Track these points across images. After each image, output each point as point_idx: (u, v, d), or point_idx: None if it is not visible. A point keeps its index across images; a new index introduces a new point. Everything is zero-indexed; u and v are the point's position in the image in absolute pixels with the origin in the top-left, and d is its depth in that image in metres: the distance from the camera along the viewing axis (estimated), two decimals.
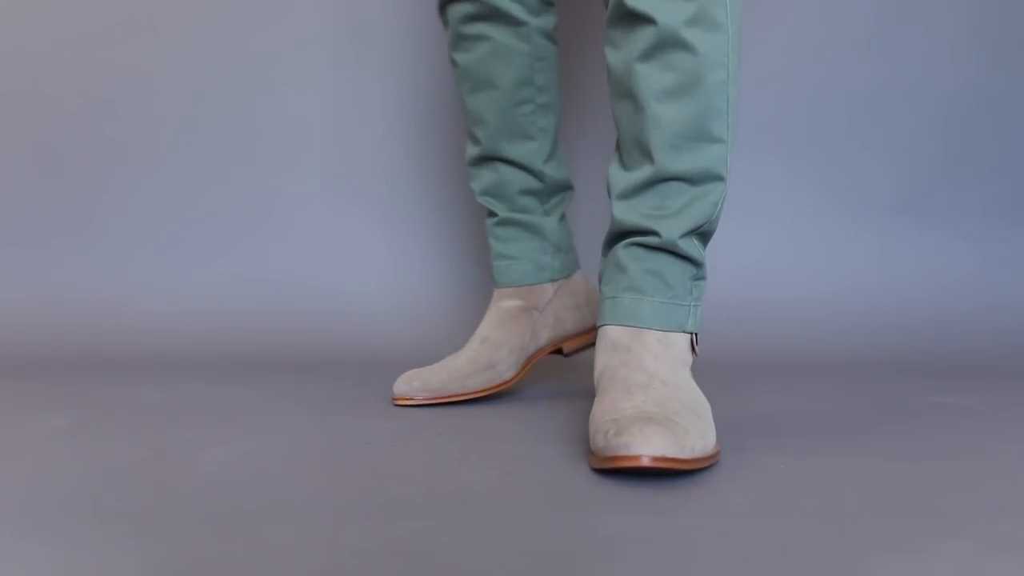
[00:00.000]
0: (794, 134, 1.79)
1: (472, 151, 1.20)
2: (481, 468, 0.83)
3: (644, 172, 0.92)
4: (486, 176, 1.20)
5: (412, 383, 1.13)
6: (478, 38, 1.16)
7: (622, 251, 0.94)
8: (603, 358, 0.90)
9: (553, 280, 1.21)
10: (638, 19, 0.90)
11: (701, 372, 1.43)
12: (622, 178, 0.94)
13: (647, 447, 0.76)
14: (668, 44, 0.90)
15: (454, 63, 1.19)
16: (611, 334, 0.91)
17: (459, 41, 1.17)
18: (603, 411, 0.83)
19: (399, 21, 1.71)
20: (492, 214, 1.21)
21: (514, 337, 1.17)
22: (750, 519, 0.68)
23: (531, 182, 1.20)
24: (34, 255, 1.68)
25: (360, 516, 0.67)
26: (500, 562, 0.58)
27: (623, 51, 0.92)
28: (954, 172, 1.83)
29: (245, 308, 1.64)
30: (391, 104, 1.72)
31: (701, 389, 1.30)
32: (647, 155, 0.92)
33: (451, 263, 1.72)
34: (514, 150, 1.18)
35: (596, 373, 0.91)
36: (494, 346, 1.16)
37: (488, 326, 1.18)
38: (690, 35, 0.89)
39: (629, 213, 0.93)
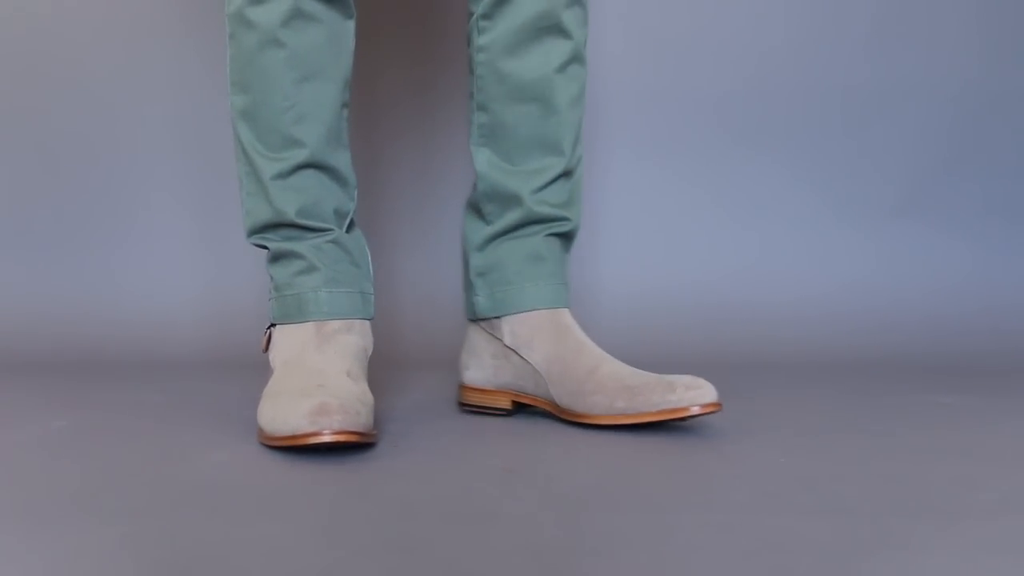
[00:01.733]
0: (793, 134, 1.79)
1: (289, 160, 1.00)
2: (481, 467, 0.83)
3: (556, 167, 1.06)
4: (307, 190, 1.01)
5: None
6: (314, 19, 0.99)
7: (543, 241, 1.07)
8: (549, 342, 1.04)
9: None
10: (559, 34, 1.04)
11: (701, 372, 1.44)
12: (527, 175, 1.06)
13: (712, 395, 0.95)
14: (576, 59, 1.06)
15: (278, 43, 0.98)
16: (552, 317, 1.05)
17: (294, 19, 0.98)
18: (635, 374, 0.99)
19: (376, 24, 1.71)
20: (311, 232, 1.02)
21: None
22: (750, 516, 0.68)
23: (345, 201, 1.04)
24: (34, 255, 1.67)
25: (359, 516, 0.67)
26: (500, 562, 0.58)
27: (535, 62, 1.04)
28: (953, 172, 1.83)
29: (245, 308, 1.64)
30: (391, 104, 1.72)
31: None
32: (556, 152, 1.06)
33: (450, 263, 1.72)
34: (338, 159, 1.03)
35: (548, 353, 1.03)
36: None
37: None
38: (585, 52, 1.08)
39: (542, 205, 1.06)
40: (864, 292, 1.75)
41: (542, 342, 1.04)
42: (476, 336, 1.10)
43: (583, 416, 0.99)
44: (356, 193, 1.07)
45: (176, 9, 1.69)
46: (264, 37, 0.98)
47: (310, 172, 1.01)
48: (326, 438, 0.82)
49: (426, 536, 0.63)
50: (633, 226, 1.76)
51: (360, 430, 0.84)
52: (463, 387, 1.11)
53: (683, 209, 1.78)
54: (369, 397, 0.92)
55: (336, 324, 0.99)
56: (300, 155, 1.00)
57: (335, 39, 1.01)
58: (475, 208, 1.11)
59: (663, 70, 1.76)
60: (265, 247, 1.04)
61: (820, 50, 1.79)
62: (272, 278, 1.04)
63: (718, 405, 0.94)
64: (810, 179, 1.80)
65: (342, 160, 1.04)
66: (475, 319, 1.10)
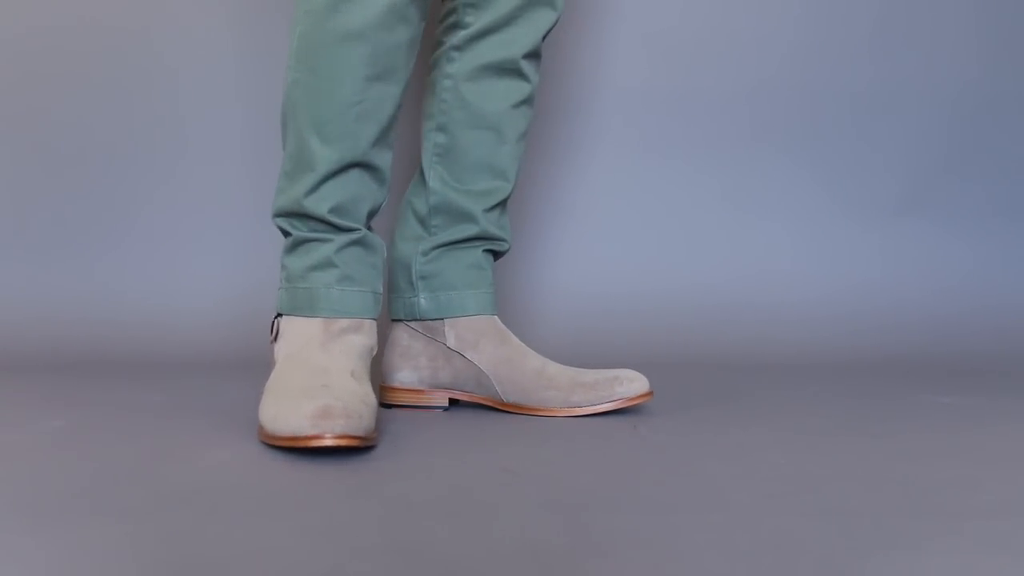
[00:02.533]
0: (795, 134, 1.79)
1: (341, 154, 0.99)
2: (480, 467, 0.83)
3: (502, 192, 1.15)
4: (348, 188, 1.01)
5: None
6: (406, 21, 1.00)
7: (482, 255, 1.16)
8: (494, 345, 1.12)
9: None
10: (519, 77, 1.14)
11: (703, 371, 1.44)
12: (476, 196, 1.14)
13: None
14: (528, 101, 1.16)
15: (363, 39, 0.97)
16: (492, 322, 1.14)
17: (389, 16, 0.98)
18: (582, 372, 1.12)
19: None
20: (339, 231, 1.02)
21: None
22: (750, 516, 0.68)
23: (379, 200, 1.06)
24: (34, 255, 1.67)
25: (359, 516, 0.67)
26: (500, 562, 0.58)
27: (496, 96, 1.13)
28: (955, 172, 1.83)
29: (245, 309, 1.64)
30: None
31: (701, 388, 1.30)
32: (503, 178, 1.15)
33: None
34: (383, 159, 1.04)
35: (494, 355, 1.11)
36: None
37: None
38: (535, 97, 1.19)
39: (491, 225, 1.15)
40: (866, 292, 1.75)
41: (487, 345, 1.12)
42: (409, 339, 1.14)
43: (536, 410, 1.11)
44: (387, 191, 1.08)
45: (177, 9, 1.69)
46: (351, 30, 0.96)
47: (356, 172, 1.01)
48: (328, 442, 0.83)
49: (426, 536, 0.63)
50: (636, 225, 1.76)
51: (361, 434, 0.84)
52: (394, 389, 1.14)
53: (685, 209, 1.78)
54: (372, 398, 0.92)
55: (345, 323, 1.00)
56: (353, 152, 1.00)
57: (414, 42, 1.02)
58: (420, 219, 1.15)
59: (666, 71, 1.76)
60: (287, 232, 1.03)
61: (823, 51, 1.79)
62: (285, 267, 1.04)
63: (650, 394, 1.11)
64: (812, 179, 1.80)
65: (386, 160, 1.04)
66: (410, 319, 1.14)
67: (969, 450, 0.92)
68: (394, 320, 1.16)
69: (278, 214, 1.03)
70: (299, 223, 1.02)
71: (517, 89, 1.15)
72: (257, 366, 1.45)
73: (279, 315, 1.03)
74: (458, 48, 1.13)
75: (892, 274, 1.78)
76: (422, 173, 1.16)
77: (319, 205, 1.00)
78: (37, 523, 0.65)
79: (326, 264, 1.01)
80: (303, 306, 1.01)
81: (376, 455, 0.88)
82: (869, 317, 1.71)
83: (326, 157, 0.99)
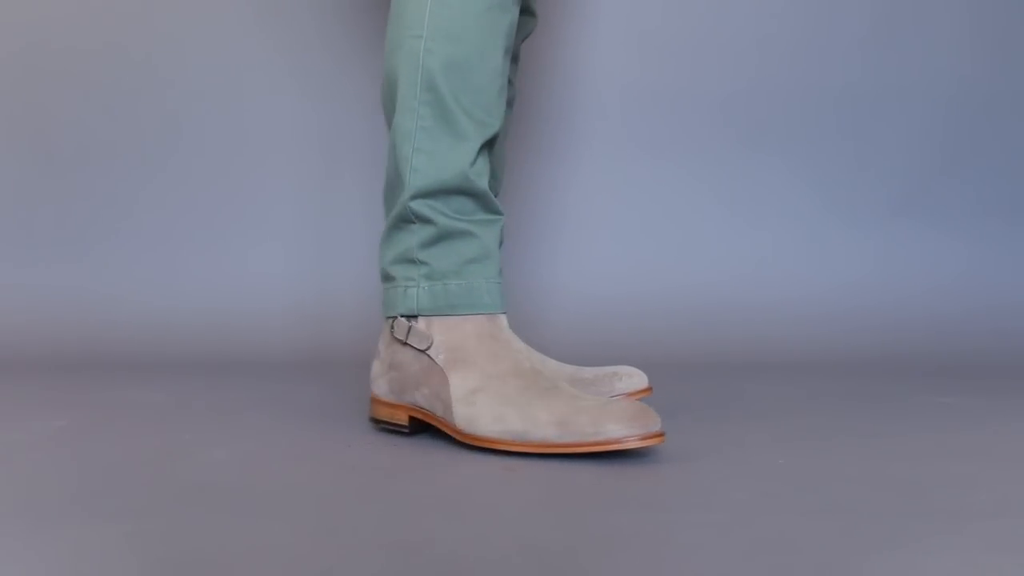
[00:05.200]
0: (792, 135, 1.79)
1: (489, 127, 0.94)
2: (480, 466, 0.83)
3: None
4: (490, 164, 0.98)
5: None
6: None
7: None
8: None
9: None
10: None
11: (701, 371, 1.44)
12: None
13: None
14: (510, 103, 1.11)
15: (504, 8, 0.93)
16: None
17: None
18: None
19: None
20: (497, 214, 0.97)
21: None
22: (750, 516, 0.68)
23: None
24: (34, 255, 1.67)
25: (359, 516, 0.67)
26: (500, 562, 0.58)
27: None
28: (951, 172, 1.83)
29: (244, 309, 1.64)
30: None
31: (700, 388, 1.30)
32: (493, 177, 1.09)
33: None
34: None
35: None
36: None
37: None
38: (516, 98, 1.13)
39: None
40: (862, 292, 1.75)
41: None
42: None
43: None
44: None
45: (179, 8, 1.69)
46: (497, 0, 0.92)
47: (492, 149, 0.97)
48: (652, 441, 0.82)
49: (426, 536, 0.63)
50: (633, 226, 1.76)
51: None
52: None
53: (682, 209, 1.78)
54: None
55: (503, 319, 0.93)
56: (494, 128, 0.94)
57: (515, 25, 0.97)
58: None
59: (662, 71, 1.76)
60: (429, 220, 0.93)
61: (819, 52, 1.79)
62: (423, 262, 0.93)
63: (649, 389, 1.08)
64: (808, 179, 1.80)
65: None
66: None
67: (968, 450, 0.93)
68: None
69: (421, 195, 0.92)
70: (446, 206, 0.92)
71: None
72: (256, 366, 1.45)
73: (412, 317, 0.94)
74: None
75: (888, 274, 1.78)
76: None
77: (480, 179, 0.93)
78: (37, 523, 0.65)
79: (484, 256, 0.93)
80: (459, 304, 0.92)
81: (376, 455, 0.88)
82: (866, 317, 1.71)
83: (477, 130, 0.92)
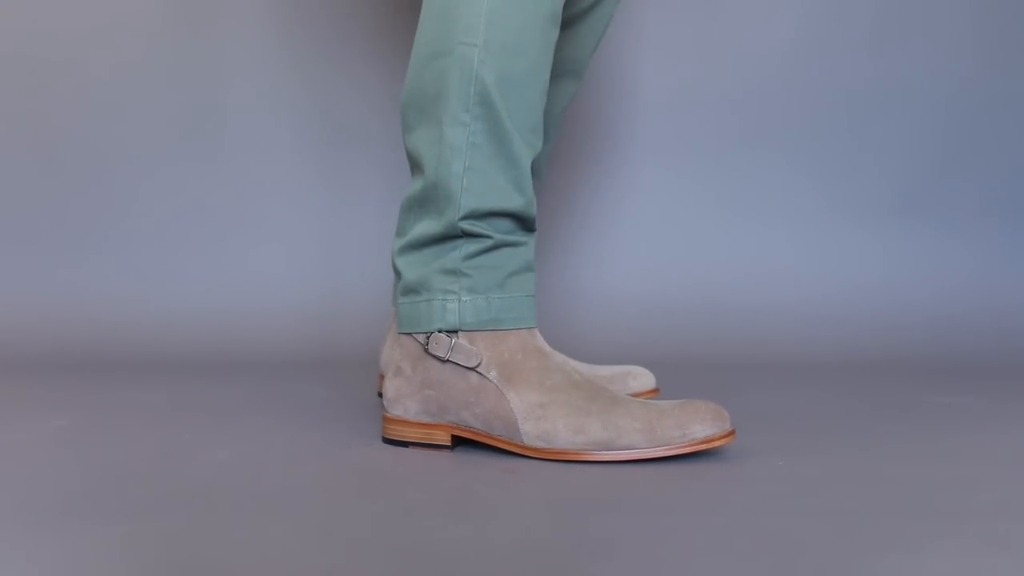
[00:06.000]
0: (793, 135, 1.79)
1: (533, 147, 0.91)
2: (481, 467, 0.83)
3: None
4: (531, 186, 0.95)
5: None
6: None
7: None
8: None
9: None
10: (576, 78, 1.12)
11: (701, 372, 1.43)
12: None
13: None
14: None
15: (555, 22, 0.89)
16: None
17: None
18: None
19: (388, 21, 1.71)
20: (531, 232, 0.95)
21: None
22: (750, 518, 0.68)
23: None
24: (35, 255, 1.67)
25: (360, 516, 0.67)
26: (500, 562, 0.58)
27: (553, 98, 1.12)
28: (953, 172, 1.83)
29: (245, 308, 1.64)
30: (392, 103, 1.72)
31: (700, 388, 1.30)
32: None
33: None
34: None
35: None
36: None
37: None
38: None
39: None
40: (863, 293, 1.75)
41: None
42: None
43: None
44: None
45: (180, 8, 1.69)
46: (555, 11, 0.88)
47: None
48: (731, 439, 0.85)
49: (426, 536, 0.63)
50: (633, 226, 1.76)
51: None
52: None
53: (683, 210, 1.78)
54: None
55: (539, 333, 0.91)
56: (539, 147, 0.91)
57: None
58: None
59: (662, 72, 1.76)
60: (485, 236, 0.89)
61: (820, 52, 1.78)
62: (465, 274, 0.89)
63: (656, 390, 1.10)
64: (809, 180, 1.80)
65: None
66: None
67: (968, 450, 0.92)
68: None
69: (474, 216, 0.88)
70: (499, 224, 0.89)
71: (571, 90, 1.12)
72: (256, 366, 1.45)
73: (453, 332, 0.89)
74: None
75: (889, 275, 1.78)
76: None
77: (531, 205, 0.90)
78: (38, 523, 0.65)
79: (526, 269, 0.91)
80: (504, 319, 0.89)
81: (376, 455, 0.88)
82: (867, 318, 1.71)
83: (527, 151, 0.89)
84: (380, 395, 1.08)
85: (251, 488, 0.75)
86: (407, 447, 0.91)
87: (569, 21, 1.07)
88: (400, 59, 1.72)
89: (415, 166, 0.91)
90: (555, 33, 0.88)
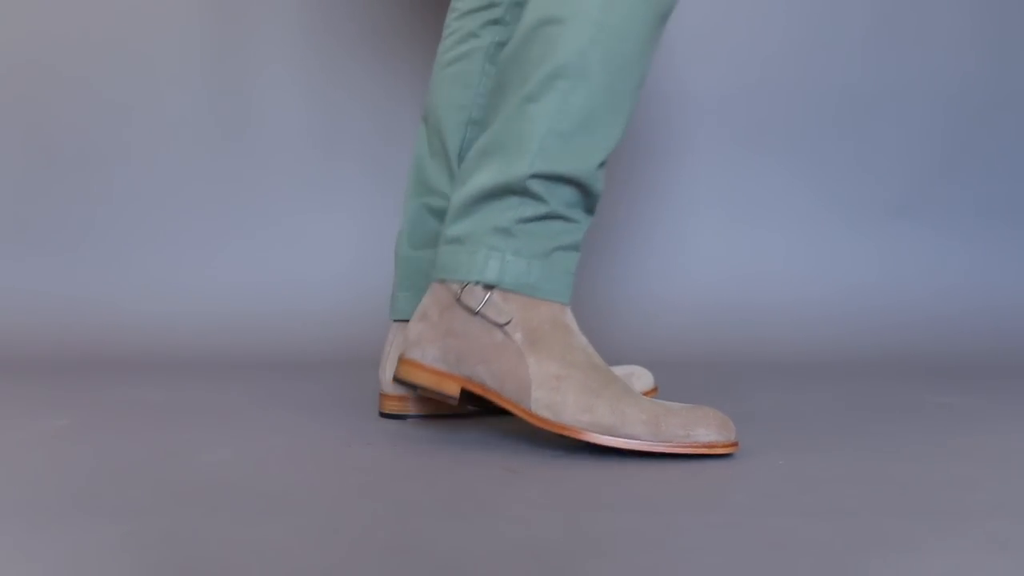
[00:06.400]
0: (792, 136, 1.79)
1: (616, 141, 0.96)
2: (481, 467, 0.83)
3: None
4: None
5: None
6: None
7: None
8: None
9: None
10: None
11: (700, 372, 1.44)
12: None
13: None
14: None
15: None
16: None
17: None
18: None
19: (390, 24, 1.71)
20: (590, 215, 0.99)
21: None
22: (750, 517, 0.68)
23: None
24: (35, 255, 1.68)
25: (360, 516, 0.68)
26: (500, 562, 0.58)
27: None
28: (951, 174, 1.83)
29: (245, 309, 1.64)
30: (394, 104, 1.72)
31: (700, 389, 1.30)
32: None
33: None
34: None
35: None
36: None
37: None
38: None
39: None
40: (863, 293, 1.75)
41: None
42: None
43: None
44: None
45: (181, 9, 1.69)
46: (667, 13, 0.93)
47: None
48: (732, 449, 0.86)
49: (426, 536, 0.63)
50: (632, 227, 1.76)
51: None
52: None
53: (682, 210, 1.78)
54: None
55: (571, 312, 0.91)
56: (619, 138, 0.93)
57: None
58: (439, 217, 1.09)
59: (662, 72, 1.76)
60: (540, 199, 0.89)
61: (819, 53, 1.79)
62: (517, 234, 0.89)
63: (655, 389, 1.11)
64: (809, 181, 1.80)
65: None
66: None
67: (968, 450, 0.93)
68: (397, 320, 1.12)
69: (542, 176, 0.89)
70: (563, 193, 0.90)
71: None
72: (256, 366, 1.45)
73: (488, 287, 0.89)
74: (504, 45, 1.08)
75: (889, 275, 1.78)
76: (424, 168, 1.10)
77: (599, 181, 0.91)
78: (38, 522, 0.65)
79: (571, 247, 0.91)
80: (540, 287, 0.89)
81: (376, 455, 0.88)
82: (867, 318, 1.71)
83: (613, 134, 0.91)
84: (382, 414, 1.07)
85: (251, 488, 0.75)
86: (414, 391, 0.91)
87: None
88: (401, 59, 1.71)
89: (493, 117, 0.92)
90: (660, 32, 0.92)
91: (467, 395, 0.92)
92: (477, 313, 0.88)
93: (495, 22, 1.10)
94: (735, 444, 0.87)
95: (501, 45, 1.09)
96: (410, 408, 1.05)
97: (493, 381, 0.88)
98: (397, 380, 0.92)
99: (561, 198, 0.90)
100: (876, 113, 1.80)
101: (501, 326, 0.88)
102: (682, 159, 1.78)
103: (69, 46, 1.68)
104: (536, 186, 0.89)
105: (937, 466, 0.85)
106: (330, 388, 1.26)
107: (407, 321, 1.06)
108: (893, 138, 1.81)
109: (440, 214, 1.08)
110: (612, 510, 0.70)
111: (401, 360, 0.92)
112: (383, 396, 1.05)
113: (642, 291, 1.73)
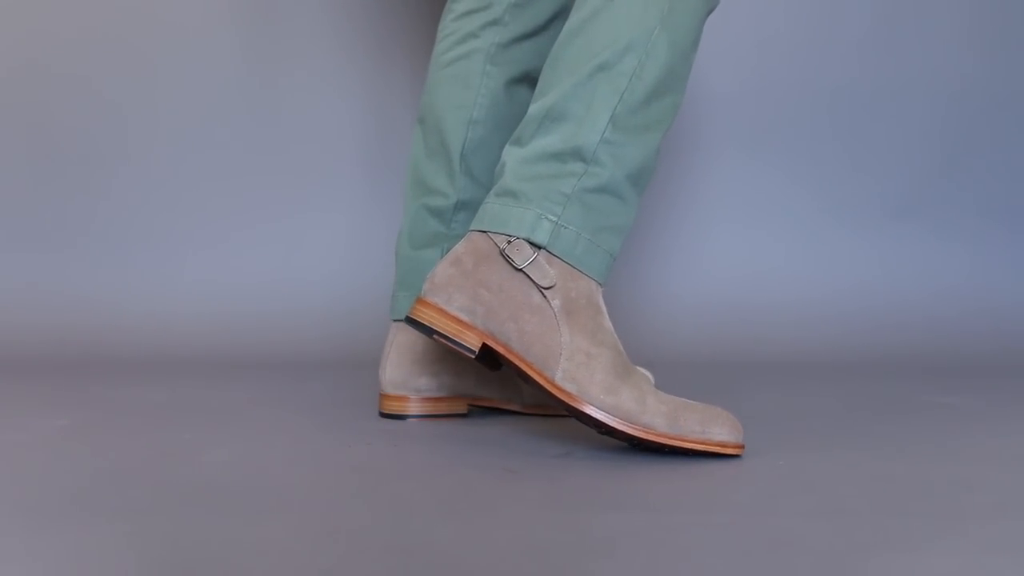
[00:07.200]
0: (791, 136, 1.79)
1: (670, 119, 0.98)
2: (481, 467, 0.83)
3: None
4: None
5: None
6: None
7: None
8: None
9: None
10: None
11: (701, 372, 1.44)
12: None
13: None
14: None
15: None
16: None
17: None
18: None
19: (387, 26, 1.71)
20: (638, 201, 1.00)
21: None
22: (750, 517, 0.68)
23: None
24: (35, 255, 1.67)
25: (360, 516, 0.68)
26: (500, 562, 0.58)
27: (528, 105, 1.05)
28: (951, 174, 1.83)
29: (245, 309, 1.64)
30: (392, 104, 1.72)
31: (699, 389, 1.30)
32: None
33: None
34: None
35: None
36: None
37: None
38: None
39: None
40: (863, 294, 1.75)
41: None
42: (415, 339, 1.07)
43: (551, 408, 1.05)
44: None
45: (183, 9, 1.69)
46: (713, 6, 0.97)
47: None
48: (739, 451, 0.87)
49: (425, 536, 0.63)
50: (632, 227, 1.76)
51: None
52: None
53: (682, 211, 1.78)
54: None
55: (602, 296, 0.91)
56: (661, 129, 0.94)
57: None
58: (439, 214, 1.08)
59: None
60: (603, 165, 0.89)
61: (819, 53, 1.79)
62: (575, 203, 0.88)
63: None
64: (809, 181, 1.80)
65: None
66: None
67: (968, 450, 0.93)
68: (397, 320, 1.11)
69: (614, 143, 0.89)
70: (626, 162, 0.90)
71: None
72: (256, 366, 1.45)
73: (536, 245, 0.87)
74: (503, 46, 1.09)
75: (888, 276, 1.78)
76: (421, 169, 1.10)
77: (656, 159, 0.92)
78: (39, 522, 0.65)
79: (620, 230, 0.91)
80: (584, 261, 0.88)
81: (376, 455, 0.88)
82: (866, 319, 1.71)
83: (670, 116, 0.92)
84: (382, 414, 1.06)
85: (251, 488, 0.75)
86: (432, 336, 0.86)
87: (532, 32, 1.10)
88: (399, 60, 1.72)
89: (550, 87, 0.92)
90: (702, 29, 0.95)
91: (483, 353, 0.87)
92: (520, 270, 0.86)
93: (494, 23, 1.10)
94: (743, 446, 0.87)
95: (501, 45, 1.09)
96: (410, 408, 1.05)
97: (519, 342, 0.85)
98: (410, 322, 0.88)
99: (625, 167, 0.89)
100: (876, 113, 1.80)
101: (543, 289, 0.86)
102: (682, 159, 1.78)
103: (72, 44, 1.68)
104: (604, 153, 0.87)
105: (937, 466, 0.85)
106: (330, 388, 1.26)
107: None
108: (893, 139, 1.81)
109: (440, 214, 1.08)
110: (612, 510, 0.70)
111: (420, 301, 0.87)
112: (383, 396, 1.05)
113: (641, 291, 1.73)
